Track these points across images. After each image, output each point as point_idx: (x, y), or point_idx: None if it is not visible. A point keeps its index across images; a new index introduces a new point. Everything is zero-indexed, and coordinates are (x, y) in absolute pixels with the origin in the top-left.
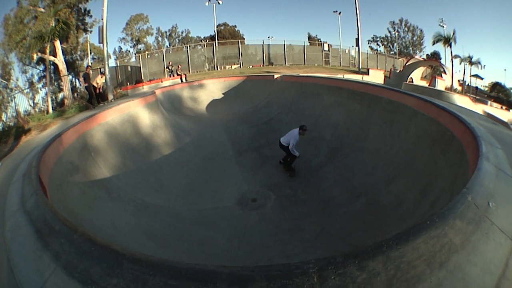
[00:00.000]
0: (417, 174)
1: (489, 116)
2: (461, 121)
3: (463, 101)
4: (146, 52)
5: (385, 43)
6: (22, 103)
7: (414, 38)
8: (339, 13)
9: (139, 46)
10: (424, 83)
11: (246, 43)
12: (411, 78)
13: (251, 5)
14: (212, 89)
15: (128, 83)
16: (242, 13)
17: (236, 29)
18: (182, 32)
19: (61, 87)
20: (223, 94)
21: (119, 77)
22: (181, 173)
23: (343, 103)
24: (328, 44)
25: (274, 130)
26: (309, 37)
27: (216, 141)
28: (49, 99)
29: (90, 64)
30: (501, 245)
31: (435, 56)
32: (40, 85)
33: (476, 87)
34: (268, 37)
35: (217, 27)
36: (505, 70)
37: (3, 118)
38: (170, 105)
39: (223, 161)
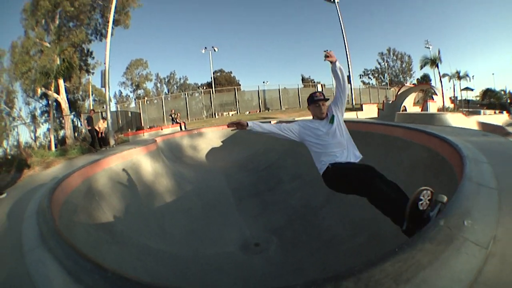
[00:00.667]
0: None
1: (483, 126)
2: (448, 143)
3: (456, 118)
4: (146, 98)
5: (376, 74)
6: (23, 134)
7: (403, 65)
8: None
9: (139, 91)
10: (417, 109)
11: (242, 89)
12: (404, 106)
13: (245, 51)
14: (211, 137)
15: (129, 129)
16: (237, 59)
17: (232, 75)
18: (180, 78)
19: (62, 125)
20: (221, 142)
21: (120, 121)
22: (184, 219)
23: None
24: (321, 85)
25: (273, 176)
26: (303, 79)
27: (216, 189)
28: (52, 137)
29: (92, 108)
30: (474, 256)
31: (425, 79)
32: (42, 120)
33: (468, 100)
34: (263, 82)
35: (213, 73)
36: (493, 74)
37: (4, 145)
38: (171, 153)
39: (224, 208)
